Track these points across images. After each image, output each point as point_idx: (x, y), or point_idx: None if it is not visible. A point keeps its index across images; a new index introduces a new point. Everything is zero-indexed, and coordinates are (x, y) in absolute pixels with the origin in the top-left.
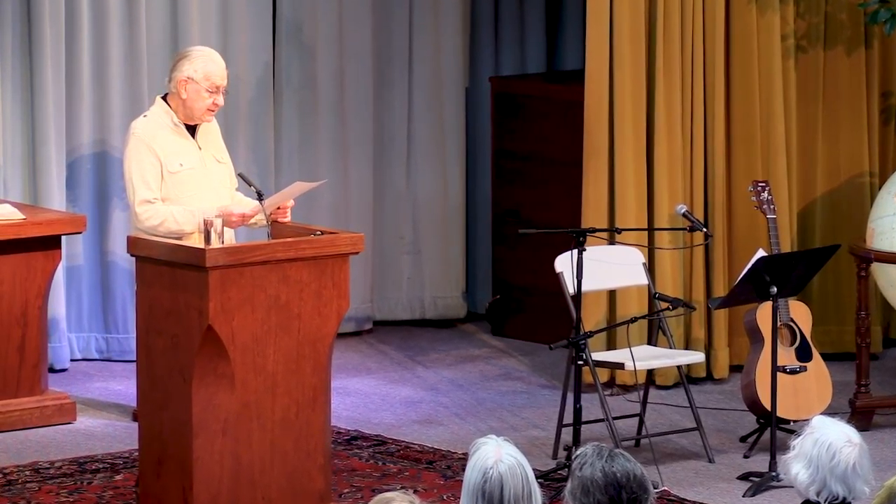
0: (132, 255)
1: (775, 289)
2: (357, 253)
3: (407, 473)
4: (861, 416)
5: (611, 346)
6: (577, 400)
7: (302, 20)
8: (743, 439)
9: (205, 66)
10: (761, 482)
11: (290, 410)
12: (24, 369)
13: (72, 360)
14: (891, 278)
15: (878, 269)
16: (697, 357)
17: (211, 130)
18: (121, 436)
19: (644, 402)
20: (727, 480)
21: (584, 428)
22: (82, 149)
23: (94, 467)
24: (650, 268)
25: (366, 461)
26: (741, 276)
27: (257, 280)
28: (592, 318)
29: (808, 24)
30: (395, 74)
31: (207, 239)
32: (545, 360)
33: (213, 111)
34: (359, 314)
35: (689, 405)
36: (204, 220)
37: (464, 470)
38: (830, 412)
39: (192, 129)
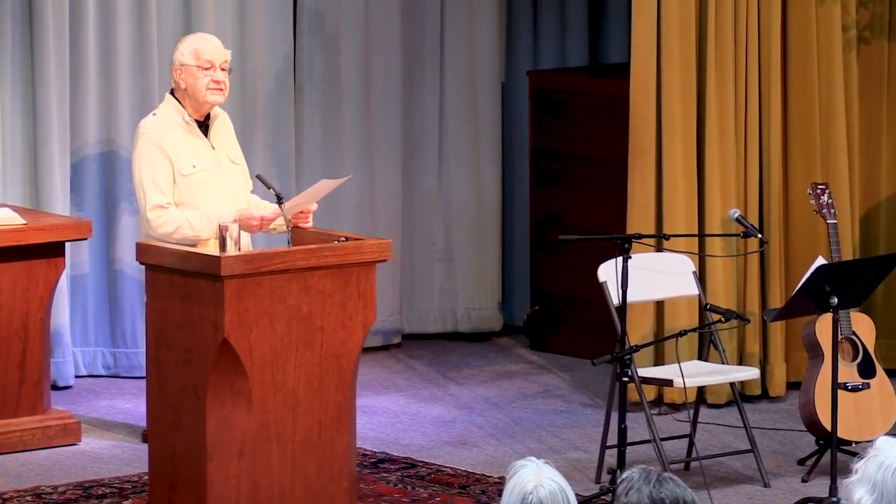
0: (141, 263)
1: (836, 299)
2: (384, 261)
3: (438, 499)
4: None
5: (658, 361)
6: (621, 419)
7: (325, 9)
8: (801, 462)
9: (192, 44)
10: None
11: (312, 431)
12: (24, 386)
13: (76, 377)
14: None
15: None
16: (752, 373)
17: (224, 129)
18: (129, 458)
19: (694, 422)
20: None
21: (629, 450)
22: (88, 148)
23: (100, 492)
24: (701, 277)
25: (394, 485)
26: (799, 285)
27: (277, 290)
28: (638, 330)
29: (871, 14)
30: (425, 68)
31: (223, 246)
32: (587, 377)
33: (217, 91)
34: (386, 327)
35: (742, 425)
36: (219, 226)
37: (500, 495)
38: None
39: (204, 128)
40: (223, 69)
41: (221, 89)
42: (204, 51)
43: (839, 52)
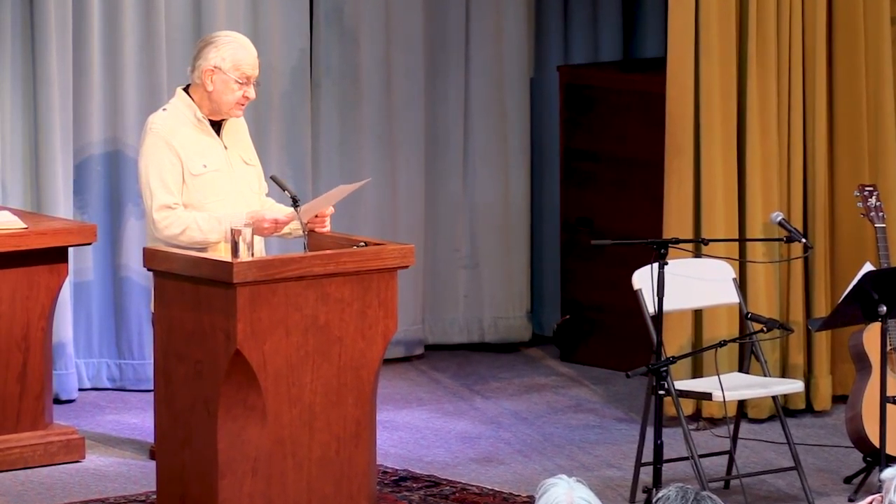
0: (149, 270)
1: (885, 308)
2: (406, 267)
3: None
4: None
5: (696, 373)
6: (657, 435)
7: (343, 0)
8: (847, 480)
9: (234, 53)
10: None
11: (329, 447)
12: (25, 400)
13: (80, 390)
14: None
15: None
16: (795, 386)
17: (238, 128)
18: (136, 476)
19: (734, 438)
20: None
21: (665, 467)
22: (92, 148)
23: None
24: (742, 284)
25: None
26: (846, 293)
27: (292, 298)
28: (675, 341)
29: None
30: (449, 63)
31: (235, 251)
32: (621, 390)
33: (242, 105)
34: (408, 337)
35: (785, 441)
36: (231, 230)
37: None
38: None
39: (216, 126)
40: (255, 84)
41: (245, 105)
42: (245, 64)
43: (888, 46)
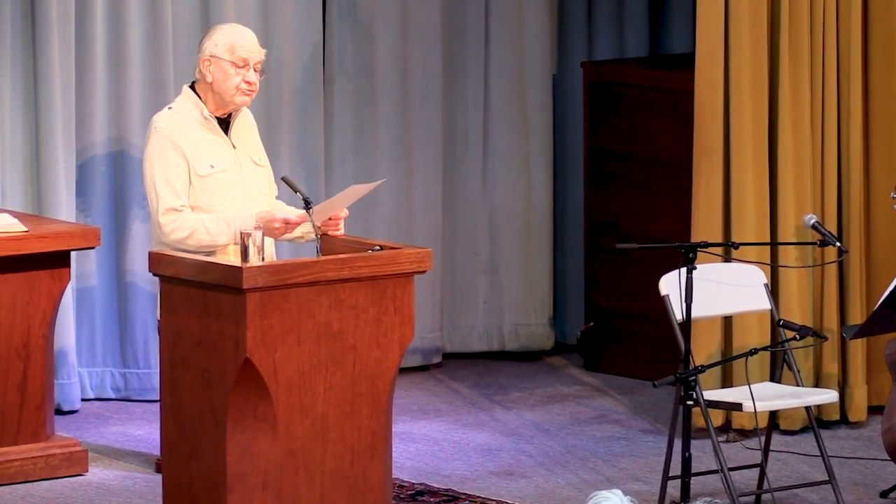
0: (155, 275)
1: None
2: (423, 272)
3: None
4: None
5: (726, 383)
6: (686, 447)
7: None
8: (884, 494)
9: (227, 38)
10: None
11: (343, 460)
12: (25, 411)
13: (83, 400)
14: None
15: None
16: (829, 396)
17: (247, 127)
18: (141, 490)
19: (766, 450)
20: None
21: (694, 480)
22: (95, 148)
23: None
24: (773, 290)
25: None
26: (882, 299)
27: (304, 304)
28: (704, 349)
29: None
30: (468, 59)
31: (245, 255)
32: (648, 400)
33: (247, 93)
34: (426, 345)
35: (819, 454)
36: (241, 233)
37: None
38: None
39: (225, 125)
40: (256, 70)
41: (252, 91)
42: (240, 47)
43: None
